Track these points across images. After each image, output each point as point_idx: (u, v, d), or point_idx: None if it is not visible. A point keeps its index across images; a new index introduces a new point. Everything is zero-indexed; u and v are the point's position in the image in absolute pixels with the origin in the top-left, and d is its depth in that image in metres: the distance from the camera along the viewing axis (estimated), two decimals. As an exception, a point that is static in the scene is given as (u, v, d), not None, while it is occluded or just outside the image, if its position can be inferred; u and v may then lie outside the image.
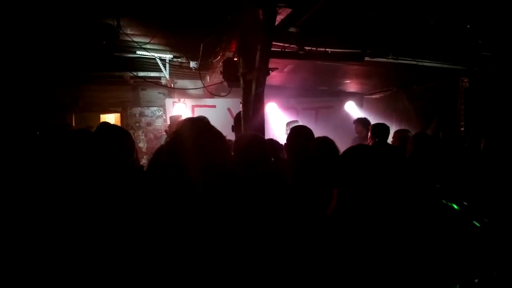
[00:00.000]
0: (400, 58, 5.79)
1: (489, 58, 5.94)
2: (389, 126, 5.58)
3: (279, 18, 4.07)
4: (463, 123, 6.94)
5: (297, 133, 3.88)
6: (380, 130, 5.18)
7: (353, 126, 7.30)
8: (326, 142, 3.85)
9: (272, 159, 3.62)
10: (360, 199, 1.93)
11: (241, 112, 4.85)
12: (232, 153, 2.90)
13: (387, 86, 9.61)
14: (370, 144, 4.91)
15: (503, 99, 6.16)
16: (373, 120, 6.93)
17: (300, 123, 5.67)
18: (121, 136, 2.81)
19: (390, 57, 5.72)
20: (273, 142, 4.34)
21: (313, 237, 2.15)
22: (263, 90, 4.42)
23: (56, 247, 2.10)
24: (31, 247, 2.14)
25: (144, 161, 8.53)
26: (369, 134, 5.34)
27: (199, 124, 2.18)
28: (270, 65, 4.52)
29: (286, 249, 2.18)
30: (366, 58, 5.67)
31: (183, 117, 7.88)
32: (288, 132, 4.14)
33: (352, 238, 1.87)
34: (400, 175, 1.94)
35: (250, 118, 4.57)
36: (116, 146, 2.71)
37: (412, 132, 5.57)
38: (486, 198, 2.00)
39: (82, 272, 2.06)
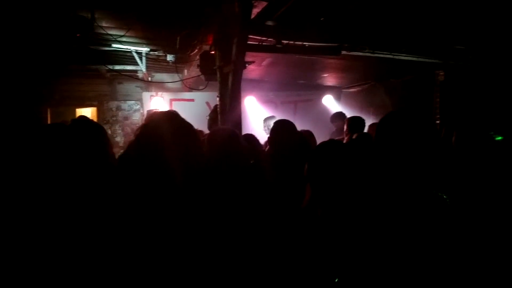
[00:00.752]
0: (377, 51, 5.83)
1: (464, 52, 6.02)
2: (367, 119, 5.63)
3: (255, 11, 4.05)
4: (438, 115, 7.03)
5: (281, 127, 3.91)
6: (356, 123, 5.23)
7: (331, 120, 7.35)
8: (304, 137, 3.91)
9: (250, 152, 3.63)
10: (329, 193, 1.94)
11: (218, 106, 4.82)
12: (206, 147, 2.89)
13: (364, 80, 9.68)
14: (346, 137, 4.94)
15: (477, 92, 6.26)
16: (351, 114, 6.98)
17: (277, 119, 5.68)
18: (94, 133, 2.76)
19: (366, 51, 5.75)
20: (251, 137, 4.35)
21: (288, 230, 2.15)
22: (239, 84, 4.40)
23: (26, 247, 2.06)
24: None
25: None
26: (345, 127, 5.37)
27: (171, 117, 2.15)
28: (248, 59, 4.51)
29: (263, 242, 2.19)
30: (343, 52, 5.70)
31: (159, 109, 7.84)
32: (271, 126, 4.16)
33: (323, 231, 1.88)
34: (369, 169, 1.94)
35: (227, 112, 4.56)
36: (89, 142, 2.66)
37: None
38: (455, 191, 2.03)
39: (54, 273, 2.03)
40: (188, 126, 2.14)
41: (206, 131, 5.33)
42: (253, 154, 3.75)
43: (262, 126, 7.06)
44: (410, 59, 6.14)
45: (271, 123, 5.43)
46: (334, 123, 7.16)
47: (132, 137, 2.18)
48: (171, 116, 2.14)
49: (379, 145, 1.96)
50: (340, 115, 7.16)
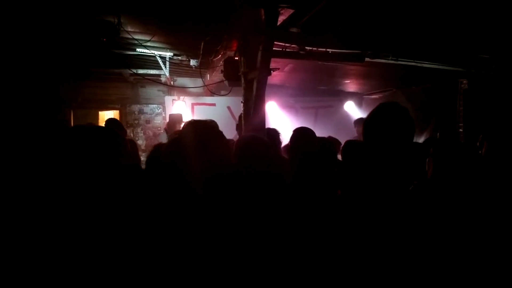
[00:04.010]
0: (400, 59, 5.82)
1: (488, 60, 5.98)
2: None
3: (281, 18, 4.08)
4: (461, 124, 6.97)
5: (300, 134, 3.92)
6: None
7: (353, 126, 7.35)
8: (327, 143, 3.91)
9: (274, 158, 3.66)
10: (362, 200, 1.96)
11: (242, 111, 4.86)
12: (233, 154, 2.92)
13: (386, 87, 9.63)
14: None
15: (501, 101, 6.19)
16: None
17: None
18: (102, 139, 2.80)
19: (390, 58, 5.74)
20: (273, 132, 4.35)
21: (315, 235, 2.18)
22: (264, 90, 4.43)
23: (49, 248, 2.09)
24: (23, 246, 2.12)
25: (143, 158, 8.54)
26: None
27: (200, 126, 2.24)
28: (271, 64, 4.53)
29: (288, 248, 2.20)
30: (366, 59, 5.69)
31: (183, 116, 7.91)
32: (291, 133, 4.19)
33: (356, 236, 1.89)
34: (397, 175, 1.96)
35: (251, 117, 4.59)
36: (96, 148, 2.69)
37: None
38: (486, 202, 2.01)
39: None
40: (218, 133, 2.21)
41: (229, 135, 5.39)
42: (278, 159, 3.79)
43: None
44: (434, 67, 6.11)
45: None
46: (356, 128, 7.18)
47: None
48: (201, 125, 2.23)
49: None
50: (362, 121, 7.15)
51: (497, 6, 4.25)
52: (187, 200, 1.99)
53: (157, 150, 3.19)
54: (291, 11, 3.94)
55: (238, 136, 5.26)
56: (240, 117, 5.11)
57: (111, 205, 2.24)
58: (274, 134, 4.30)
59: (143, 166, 2.96)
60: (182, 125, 7.35)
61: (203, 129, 2.23)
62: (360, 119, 7.29)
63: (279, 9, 3.89)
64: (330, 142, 4.21)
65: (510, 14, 4.36)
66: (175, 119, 7.71)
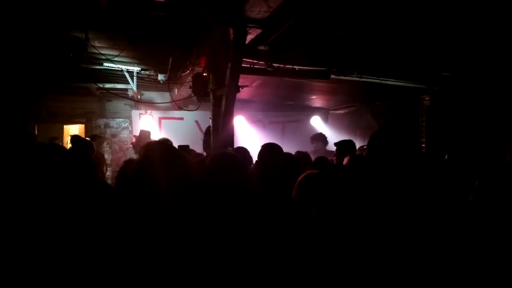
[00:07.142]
0: (364, 76, 5.99)
1: (449, 78, 6.23)
2: (354, 140, 5.67)
3: (249, 37, 4.16)
4: (424, 139, 7.18)
5: (267, 150, 3.96)
6: (346, 147, 5.31)
7: (311, 140, 7.39)
8: (293, 159, 3.99)
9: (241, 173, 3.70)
10: (337, 217, 2.02)
11: (211, 127, 4.90)
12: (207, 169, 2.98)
13: (351, 102, 9.84)
14: (335, 160, 5.02)
15: (462, 117, 6.43)
16: (338, 135, 7.07)
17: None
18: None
19: (354, 76, 5.91)
20: (242, 150, 4.38)
21: (285, 248, 2.23)
22: (233, 106, 4.49)
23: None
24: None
25: (108, 173, 8.44)
26: (335, 151, 5.43)
27: (164, 145, 2.35)
28: (239, 80, 4.59)
29: (256, 257, 2.25)
30: (332, 76, 5.84)
31: (151, 131, 7.89)
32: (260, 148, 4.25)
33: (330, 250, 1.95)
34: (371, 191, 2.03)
35: (219, 133, 4.63)
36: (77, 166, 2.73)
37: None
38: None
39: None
40: (178, 152, 2.36)
41: (197, 149, 5.43)
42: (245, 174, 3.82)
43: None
44: (397, 84, 6.31)
45: None
46: (313, 143, 7.22)
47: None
48: (165, 144, 2.34)
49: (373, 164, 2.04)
50: (320, 136, 7.25)
51: (458, 26, 4.44)
52: (153, 213, 2.05)
53: (126, 167, 3.22)
54: (259, 30, 4.02)
55: (205, 150, 5.28)
56: (206, 132, 5.14)
57: (83, 218, 2.27)
58: (243, 152, 4.34)
59: (109, 181, 3.01)
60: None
61: (167, 149, 2.35)
62: (319, 135, 7.36)
63: (248, 29, 3.96)
64: (296, 158, 4.29)
65: (470, 33, 4.58)
66: (143, 136, 7.68)
